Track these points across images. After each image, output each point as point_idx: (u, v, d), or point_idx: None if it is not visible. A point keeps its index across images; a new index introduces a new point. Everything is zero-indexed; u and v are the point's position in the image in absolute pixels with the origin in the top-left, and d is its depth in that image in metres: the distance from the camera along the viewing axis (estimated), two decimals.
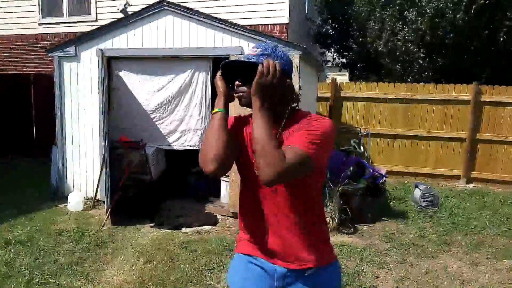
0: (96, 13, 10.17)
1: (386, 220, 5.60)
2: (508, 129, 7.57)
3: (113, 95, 5.69)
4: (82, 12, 10.38)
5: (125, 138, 5.41)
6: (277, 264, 1.51)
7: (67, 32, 10.39)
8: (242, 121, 1.63)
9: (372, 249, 4.54)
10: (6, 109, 9.35)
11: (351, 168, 5.71)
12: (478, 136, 7.73)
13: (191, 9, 5.43)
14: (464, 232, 5.20)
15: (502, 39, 8.45)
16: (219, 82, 1.54)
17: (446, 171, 7.95)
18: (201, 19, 5.38)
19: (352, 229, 5.18)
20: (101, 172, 5.35)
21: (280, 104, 1.51)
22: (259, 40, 5.19)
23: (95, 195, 5.61)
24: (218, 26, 5.33)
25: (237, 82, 1.52)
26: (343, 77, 16.17)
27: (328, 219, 5.13)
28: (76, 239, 4.52)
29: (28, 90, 9.31)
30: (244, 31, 5.24)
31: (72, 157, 5.98)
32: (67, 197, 5.73)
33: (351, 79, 14.85)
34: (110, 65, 5.62)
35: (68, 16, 10.49)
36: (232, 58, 5.07)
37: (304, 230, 1.50)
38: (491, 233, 5.16)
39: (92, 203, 5.66)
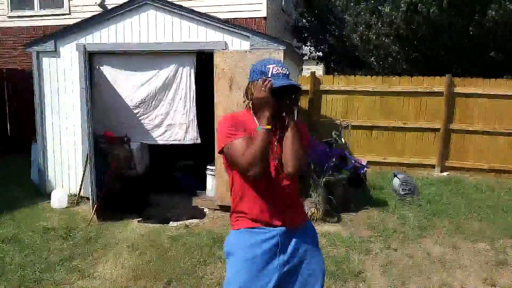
0: (69, 6, 9.90)
1: (368, 209, 5.79)
2: (479, 119, 7.93)
3: (95, 91, 5.60)
4: (54, 4, 10.08)
5: (110, 134, 5.35)
6: (278, 226, 1.89)
7: (38, 26, 10.10)
8: (245, 120, 1.90)
9: (357, 237, 4.70)
10: None
11: (334, 159, 5.87)
12: (452, 126, 8.05)
13: (173, 4, 5.39)
14: (442, 218, 5.45)
15: (472, 32, 8.80)
16: (271, 101, 1.78)
17: (421, 160, 8.25)
18: (184, 13, 5.36)
19: (336, 218, 5.34)
20: (85, 168, 5.28)
21: None
22: (244, 35, 5.23)
23: (79, 192, 5.53)
24: (201, 21, 5.33)
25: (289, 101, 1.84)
26: (317, 70, 16.41)
27: (313, 209, 5.28)
28: (64, 236, 4.46)
29: (1, 86, 8.98)
30: (228, 26, 5.26)
31: (54, 153, 5.86)
32: (49, 194, 5.62)
33: (326, 73, 15.09)
34: (91, 60, 5.52)
35: (39, 9, 10.17)
36: (216, 52, 5.13)
37: (294, 198, 1.98)
38: (467, 218, 5.44)
39: (76, 199, 5.58)
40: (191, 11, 5.37)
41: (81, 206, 5.52)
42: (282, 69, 1.83)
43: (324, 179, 5.51)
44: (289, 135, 1.82)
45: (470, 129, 7.97)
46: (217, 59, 5.21)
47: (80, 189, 5.51)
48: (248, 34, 5.20)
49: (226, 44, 5.27)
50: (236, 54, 5.17)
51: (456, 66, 9.58)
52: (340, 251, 4.29)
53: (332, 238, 4.63)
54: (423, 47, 9.82)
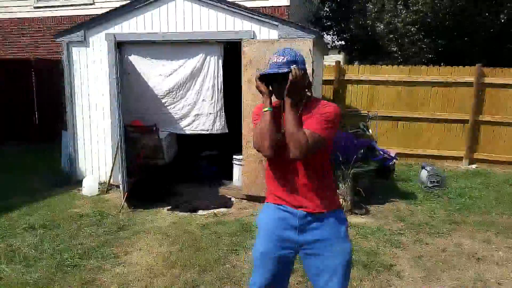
0: None
1: (395, 201, 5.71)
2: (509, 110, 7.70)
3: (124, 80, 5.65)
4: None
5: (139, 123, 5.40)
6: (299, 210, 2.00)
7: (63, 16, 10.21)
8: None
9: (386, 229, 4.65)
10: (5, 94, 9.19)
11: (362, 150, 5.78)
12: (480, 117, 7.85)
13: None
14: (473, 211, 5.34)
15: (501, 21, 8.50)
16: (262, 87, 2.00)
17: (448, 153, 8.09)
18: (212, 2, 5.32)
19: (364, 210, 5.28)
20: (115, 156, 5.35)
21: (301, 96, 2.01)
22: (272, 24, 5.18)
23: (109, 180, 5.62)
24: (229, 10, 5.29)
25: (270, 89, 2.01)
26: (338, 59, 16.13)
27: (341, 201, 5.23)
28: (97, 223, 4.55)
29: (29, 75, 9.16)
30: (256, 15, 5.21)
31: (84, 142, 5.96)
32: (79, 182, 5.74)
33: (348, 62, 14.86)
34: (119, 49, 5.56)
35: None
36: (244, 42, 5.11)
37: (318, 184, 2.01)
38: (499, 212, 5.31)
39: (105, 187, 5.68)
40: (219, 0, 5.33)
41: (111, 193, 5.62)
42: (277, 57, 1.97)
43: (352, 171, 5.44)
44: (286, 119, 1.92)
45: (499, 120, 7.77)
46: (245, 49, 5.17)
47: (110, 177, 5.60)
48: (276, 23, 5.14)
49: (254, 33, 5.23)
50: (264, 43, 5.12)
51: (484, 56, 9.28)
52: (371, 243, 4.25)
53: (361, 230, 4.59)
54: (450, 36, 9.54)
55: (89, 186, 5.51)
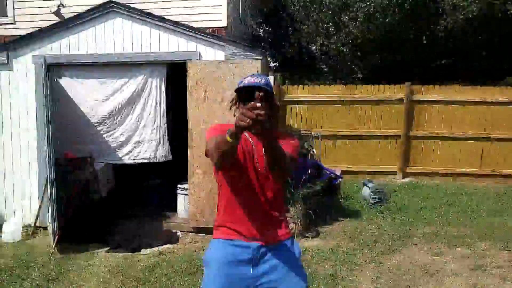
0: (14, 15, 9.05)
1: (342, 220, 5.73)
2: (437, 125, 8.24)
3: (53, 106, 5.08)
4: None
5: (71, 154, 4.85)
6: (254, 242, 1.91)
7: None
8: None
9: (339, 251, 4.60)
10: None
11: (309, 170, 5.76)
12: (411, 133, 8.29)
13: (142, 11, 5.06)
14: (417, 224, 5.50)
15: (425, 42, 9.22)
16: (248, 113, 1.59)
17: (384, 167, 8.41)
18: (154, 21, 5.05)
19: (314, 233, 5.21)
20: (43, 194, 4.72)
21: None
22: (218, 44, 5.03)
23: (36, 221, 4.94)
24: (173, 30, 5.05)
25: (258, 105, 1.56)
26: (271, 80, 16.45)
27: (291, 225, 5.10)
28: (22, 276, 3.89)
29: None
30: (202, 35, 5.02)
31: (4, 177, 5.21)
32: None
33: (283, 82, 15.16)
34: (49, 72, 5.01)
35: None
36: (189, 63, 4.86)
37: (276, 215, 1.97)
38: (439, 222, 5.53)
39: (31, 230, 4.98)
40: (162, 19, 5.08)
41: (38, 238, 4.94)
42: (256, 78, 1.87)
43: (301, 192, 5.36)
44: (270, 147, 1.75)
45: (428, 135, 8.26)
46: (190, 70, 4.93)
47: (37, 218, 4.93)
48: (223, 44, 5.00)
49: (199, 54, 5.03)
50: (210, 64, 4.92)
51: (412, 73, 9.96)
52: (327, 267, 4.15)
53: (316, 254, 4.48)
54: (380, 56, 10.13)
55: (11, 231, 4.78)
